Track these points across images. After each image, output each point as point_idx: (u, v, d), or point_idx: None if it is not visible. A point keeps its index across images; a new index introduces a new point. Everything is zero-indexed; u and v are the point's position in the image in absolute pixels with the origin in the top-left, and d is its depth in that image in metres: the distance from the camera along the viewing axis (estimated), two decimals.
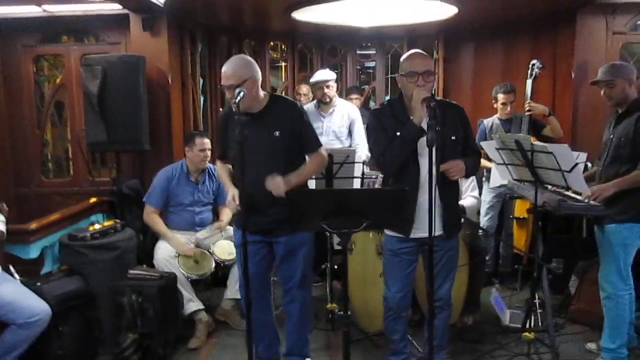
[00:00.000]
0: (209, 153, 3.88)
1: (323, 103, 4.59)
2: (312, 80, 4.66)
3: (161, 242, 3.82)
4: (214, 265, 3.74)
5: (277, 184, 2.68)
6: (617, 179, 3.03)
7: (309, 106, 4.73)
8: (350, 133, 4.66)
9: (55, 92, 4.81)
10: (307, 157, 2.95)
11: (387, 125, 2.72)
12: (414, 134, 2.60)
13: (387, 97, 6.14)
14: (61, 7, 4.38)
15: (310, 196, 2.39)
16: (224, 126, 2.96)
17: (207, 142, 3.84)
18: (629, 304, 3.11)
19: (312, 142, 2.92)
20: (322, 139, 4.47)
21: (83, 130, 4.20)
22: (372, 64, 6.36)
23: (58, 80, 4.82)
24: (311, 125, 2.97)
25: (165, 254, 3.70)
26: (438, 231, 2.72)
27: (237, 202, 2.73)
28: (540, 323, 3.67)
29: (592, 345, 3.47)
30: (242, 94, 2.59)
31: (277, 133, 2.80)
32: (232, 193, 2.80)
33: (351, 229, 2.30)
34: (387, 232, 2.85)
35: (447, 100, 2.76)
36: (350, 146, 4.60)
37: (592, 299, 3.74)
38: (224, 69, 2.76)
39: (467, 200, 3.70)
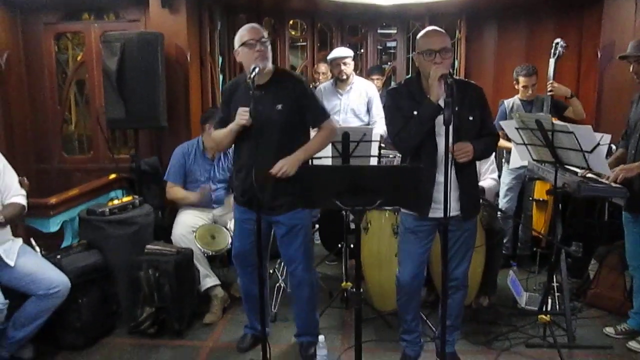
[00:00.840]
0: None
1: (340, 80, 4.56)
2: (330, 57, 4.62)
3: (179, 218, 3.85)
4: (230, 241, 3.76)
5: (283, 166, 2.73)
6: None
7: (326, 84, 4.72)
8: (368, 111, 4.63)
9: (76, 70, 4.85)
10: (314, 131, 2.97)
11: (403, 105, 2.68)
12: (431, 112, 2.56)
13: (408, 77, 6.06)
14: None
15: (323, 172, 2.37)
16: (229, 97, 2.92)
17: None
18: None
19: (318, 114, 2.92)
20: (340, 117, 4.55)
21: (102, 108, 4.22)
22: (393, 43, 6.26)
23: (79, 58, 4.85)
24: (316, 98, 2.97)
25: (182, 230, 3.73)
26: (455, 211, 2.69)
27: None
28: (557, 306, 3.62)
29: (609, 330, 3.42)
30: (257, 69, 2.59)
31: (279, 106, 2.80)
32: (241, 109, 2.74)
33: (364, 207, 2.29)
34: (404, 210, 2.83)
35: (466, 79, 2.70)
36: (368, 124, 4.57)
37: (611, 284, 3.71)
38: (249, 25, 2.84)
39: (486, 181, 3.65)
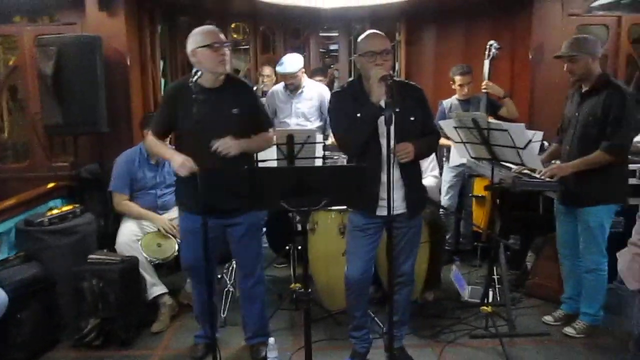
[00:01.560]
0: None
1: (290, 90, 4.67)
2: (279, 70, 4.66)
3: (123, 226, 3.76)
4: (177, 248, 3.71)
5: (226, 141, 2.70)
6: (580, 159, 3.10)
7: (278, 88, 4.79)
8: (321, 114, 4.70)
9: (8, 75, 4.64)
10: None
11: (347, 107, 2.73)
12: (373, 113, 2.62)
13: (351, 79, 6.15)
14: None
15: (269, 173, 2.39)
16: (172, 101, 2.85)
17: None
18: (606, 273, 3.24)
19: (264, 122, 2.99)
20: (292, 121, 4.59)
21: (38, 114, 4.07)
22: (335, 46, 6.36)
23: (11, 63, 4.65)
24: (263, 106, 3.05)
25: (127, 238, 3.65)
26: (402, 209, 2.77)
27: (190, 164, 2.69)
28: (498, 298, 3.78)
29: (547, 318, 3.59)
30: (200, 73, 2.59)
31: (235, 110, 2.81)
32: (181, 157, 2.73)
33: (310, 207, 2.32)
34: (352, 210, 2.89)
35: (407, 81, 2.78)
36: (323, 128, 4.66)
37: (548, 274, 3.91)
38: (212, 27, 2.86)
39: (427, 179, 3.75)
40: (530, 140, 2.84)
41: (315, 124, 4.69)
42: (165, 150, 2.91)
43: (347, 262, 2.95)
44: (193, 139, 2.75)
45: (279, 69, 4.63)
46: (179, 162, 2.72)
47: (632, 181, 3.62)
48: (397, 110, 2.66)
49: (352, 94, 2.77)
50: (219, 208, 2.80)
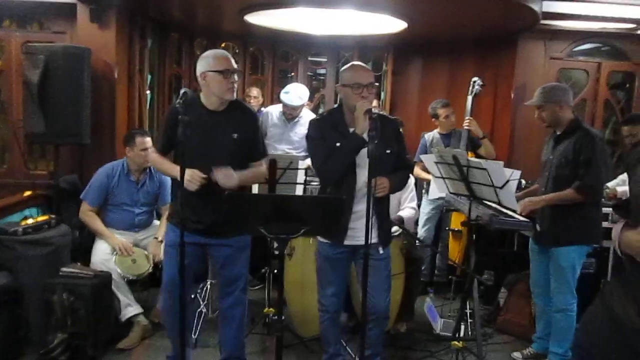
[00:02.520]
0: (150, 151, 3.81)
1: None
2: (285, 100, 4.61)
3: (98, 244, 3.72)
4: (151, 265, 3.68)
5: (228, 174, 2.66)
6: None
7: (273, 111, 4.81)
8: None
9: None
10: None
11: (327, 136, 2.77)
12: (356, 145, 2.66)
13: (336, 105, 6.21)
14: None
15: (249, 200, 2.40)
16: (174, 121, 2.77)
17: (148, 140, 3.75)
18: (575, 314, 3.28)
19: (260, 151, 2.99)
20: (282, 146, 4.60)
21: (20, 121, 4.03)
22: (323, 70, 6.42)
23: None
24: (262, 135, 3.05)
25: (102, 256, 3.61)
26: (373, 239, 2.79)
27: (200, 177, 2.65)
28: (470, 332, 3.81)
29: (517, 354, 3.63)
30: (187, 93, 2.59)
31: (235, 135, 2.82)
32: (189, 172, 2.64)
33: (289, 235, 2.34)
34: (320, 238, 2.91)
35: (384, 114, 2.85)
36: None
37: (520, 310, 3.96)
38: (224, 53, 2.83)
39: (405, 211, 3.80)
40: (508, 180, 2.90)
41: (303, 154, 4.69)
42: (171, 167, 2.85)
43: (320, 287, 2.97)
44: (190, 161, 2.67)
45: (284, 98, 4.58)
46: (187, 178, 2.64)
47: (604, 224, 3.71)
48: (376, 142, 2.72)
49: (333, 123, 2.80)
50: (206, 228, 2.80)
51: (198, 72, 2.79)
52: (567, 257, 3.23)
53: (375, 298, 2.85)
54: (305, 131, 4.53)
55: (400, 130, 2.92)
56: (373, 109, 2.58)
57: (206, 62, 2.77)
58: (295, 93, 4.59)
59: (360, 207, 2.71)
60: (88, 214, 3.76)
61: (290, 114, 4.68)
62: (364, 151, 2.65)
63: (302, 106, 4.65)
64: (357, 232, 2.68)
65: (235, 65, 2.79)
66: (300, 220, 2.28)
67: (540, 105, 3.25)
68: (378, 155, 2.61)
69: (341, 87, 2.77)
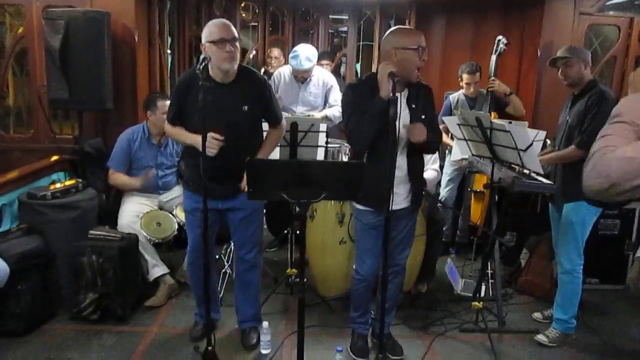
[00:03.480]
0: None
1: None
2: (294, 66, 4.50)
3: (124, 206, 3.81)
4: (176, 227, 3.76)
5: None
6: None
7: (285, 73, 4.69)
8: (326, 100, 4.69)
9: (16, 43, 4.63)
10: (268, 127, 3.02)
11: (364, 101, 2.72)
12: (380, 109, 2.62)
13: (358, 64, 6.14)
14: None
15: (270, 166, 2.42)
16: (184, 91, 2.85)
17: (166, 104, 3.75)
18: (581, 277, 3.28)
19: (276, 116, 2.99)
20: (298, 109, 4.57)
21: (44, 86, 4.07)
22: (344, 28, 6.30)
23: (20, 31, 4.63)
24: (276, 100, 3.02)
25: (128, 219, 3.70)
26: (406, 203, 2.84)
27: (218, 140, 2.67)
28: (490, 292, 3.84)
29: (537, 315, 3.66)
30: (207, 59, 2.59)
31: (245, 107, 2.81)
32: (210, 135, 2.65)
33: (310, 200, 2.36)
34: (359, 206, 2.90)
35: (419, 79, 2.80)
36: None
37: (540, 271, 3.96)
38: (222, 22, 2.76)
39: (427, 172, 3.75)
40: (531, 143, 2.85)
41: (320, 111, 4.67)
42: (186, 135, 2.86)
43: (358, 258, 3.00)
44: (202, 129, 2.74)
45: (292, 63, 4.49)
46: (209, 139, 2.65)
47: None
48: (413, 106, 2.70)
49: (371, 87, 2.73)
50: (219, 193, 2.84)
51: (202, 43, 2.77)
52: (577, 212, 3.19)
53: (402, 253, 2.98)
54: (318, 89, 4.60)
55: (432, 96, 2.90)
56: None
57: (205, 32, 2.75)
58: (304, 55, 4.46)
59: (398, 172, 2.71)
60: (113, 176, 3.86)
61: (301, 77, 4.59)
62: (405, 116, 2.66)
63: (312, 68, 4.55)
64: (396, 197, 2.70)
65: (234, 34, 2.71)
66: (321, 185, 2.30)
67: (567, 59, 3.18)
68: (414, 120, 2.68)
69: (396, 50, 2.69)
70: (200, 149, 2.58)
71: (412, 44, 2.67)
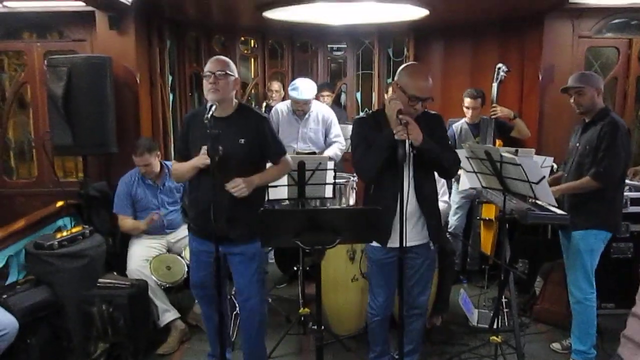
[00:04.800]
0: (153, 165, 3.79)
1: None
2: (293, 96, 4.44)
3: (132, 250, 3.78)
4: (186, 269, 3.70)
5: (237, 184, 2.70)
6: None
7: (283, 108, 4.64)
8: (326, 135, 4.65)
9: (17, 90, 4.64)
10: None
11: (369, 134, 2.73)
12: (388, 142, 2.60)
13: (358, 93, 6.15)
14: (23, 3, 4.21)
15: (282, 215, 2.39)
16: (186, 129, 2.92)
17: (144, 159, 3.73)
18: (595, 306, 3.23)
19: (277, 151, 2.96)
20: (299, 145, 4.53)
21: (47, 133, 4.06)
22: (340, 52, 6.32)
23: (20, 78, 4.63)
24: (275, 135, 3.01)
25: (138, 263, 3.67)
26: (417, 241, 2.78)
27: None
28: (506, 322, 3.78)
29: (556, 346, 3.60)
30: (214, 107, 2.58)
31: (242, 141, 2.80)
32: (196, 158, 2.76)
33: (324, 246, 2.33)
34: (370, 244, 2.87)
35: (427, 110, 2.79)
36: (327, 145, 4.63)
37: (556, 299, 3.90)
38: (215, 57, 2.83)
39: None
40: (543, 177, 2.82)
41: (322, 147, 4.63)
42: (186, 164, 2.87)
43: (371, 294, 2.97)
44: (204, 170, 2.75)
45: (292, 94, 4.43)
46: (200, 161, 2.73)
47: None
48: (415, 146, 2.66)
49: (376, 122, 2.74)
50: (220, 236, 2.80)
51: None
52: (585, 240, 3.19)
53: (422, 294, 2.90)
54: (318, 125, 4.58)
55: (443, 124, 2.89)
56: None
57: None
58: (304, 88, 4.43)
59: (408, 207, 2.63)
60: (122, 222, 3.84)
61: (301, 110, 4.49)
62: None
63: (312, 99, 4.51)
64: (408, 233, 2.60)
65: (221, 66, 2.75)
66: (335, 231, 2.27)
67: (580, 88, 3.18)
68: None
69: (396, 85, 2.70)
70: (199, 164, 2.72)
71: (406, 86, 2.65)
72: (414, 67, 2.85)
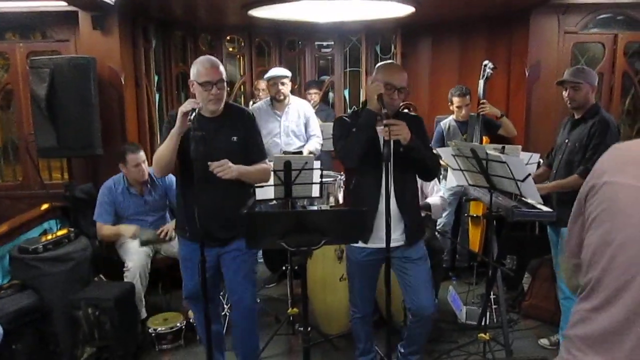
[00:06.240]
0: (144, 165, 3.78)
1: (277, 101, 4.48)
2: (267, 75, 4.52)
3: (127, 254, 3.73)
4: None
5: (224, 165, 2.63)
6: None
7: (261, 105, 4.61)
8: (306, 129, 4.64)
9: (0, 90, 4.58)
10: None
11: (350, 126, 2.72)
12: (368, 120, 2.64)
13: (346, 91, 6.14)
14: (5, 4, 4.16)
15: (268, 218, 2.38)
16: (174, 123, 2.73)
17: (140, 155, 3.73)
18: None
19: (259, 152, 2.91)
20: (281, 139, 4.50)
21: (32, 135, 4.02)
22: (329, 50, 6.30)
23: (3, 79, 4.57)
24: (260, 135, 2.96)
25: (139, 260, 3.67)
26: (400, 242, 2.76)
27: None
28: (495, 319, 3.79)
29: (544, 341, 3.62)
30: (196, 111, 2.54)
31: (234, 138, 2.79)
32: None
33: (310, 247, 2.32)
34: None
35: (407, 112, 2.80)
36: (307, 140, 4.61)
37: (544, 295, 3.92)
38: (209, 62, 2.71)
39: (433, 198, 3.68)
40: (529, 174, 2.83)
41: (302, 141, 4.63)
42: (167, 137, 2.72)
43: (351, 290, 2.98)
44: (194, 169, 2.71)
45: (269, 73, 4.47)
46: (180, 115, 2.58)
47: None
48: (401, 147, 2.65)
49: (357, 120, 2.73)
50: (214, 236, 2.78)
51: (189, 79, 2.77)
52: None
53: (419, 299, 2.81)
54: (299, 118, 4.56)
55: (424, 126, 2.88)
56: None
57: (193, 70, 2.74)
58: (275, 68, 4.51)
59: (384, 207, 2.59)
60: (101, 229, 3.82)
61: (277, 92, 4.41)
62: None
63: (287, 79, 4.45)
64: (383, 233, 2.54)
65: (220, 75, 2.69)
66: (321, 232, 2.26)
67: (576, 83, 3.16)
68: (405, 153, 2.62)
69: (372, 83, 2.71)
70: (182, 110, 2.55)
71: (383, 79, 2.66)
72: (388, 63, 2.89)
